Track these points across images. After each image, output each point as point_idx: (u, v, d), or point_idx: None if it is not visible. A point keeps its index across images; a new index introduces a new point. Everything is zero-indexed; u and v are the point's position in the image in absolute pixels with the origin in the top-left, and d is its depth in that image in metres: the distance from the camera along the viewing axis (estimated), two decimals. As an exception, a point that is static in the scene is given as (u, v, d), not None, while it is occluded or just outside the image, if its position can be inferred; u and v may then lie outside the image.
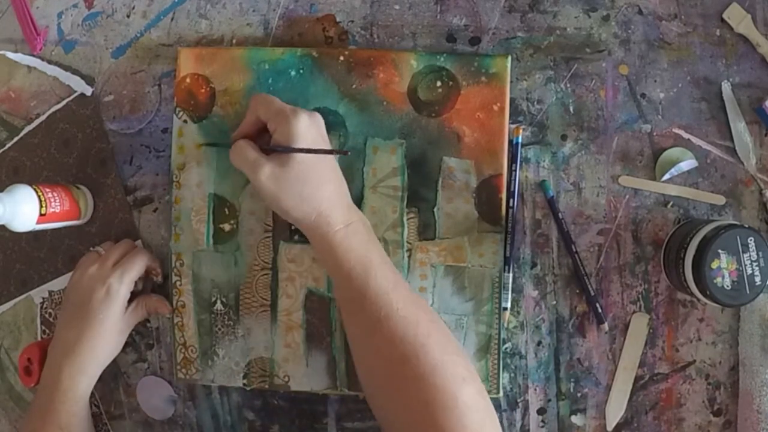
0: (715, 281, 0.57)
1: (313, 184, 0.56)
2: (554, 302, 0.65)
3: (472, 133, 0.65)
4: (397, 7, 0.67)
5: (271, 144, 0.57)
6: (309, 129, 0.56)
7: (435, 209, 0.65)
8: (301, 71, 0.66)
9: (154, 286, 0.69)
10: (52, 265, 0.72)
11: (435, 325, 0.54)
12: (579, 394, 0.65)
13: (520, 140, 0.65)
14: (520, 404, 0.66)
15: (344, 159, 0.66)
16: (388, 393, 0.54)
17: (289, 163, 0.55)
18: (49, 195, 0.64)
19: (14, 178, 0.73)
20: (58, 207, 0.64)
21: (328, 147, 0.59)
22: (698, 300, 0.61)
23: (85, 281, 0.63)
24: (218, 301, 0.67)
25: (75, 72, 0.72)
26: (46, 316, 0.73)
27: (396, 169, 0.65)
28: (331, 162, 0.59)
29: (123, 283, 0.63)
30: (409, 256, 0.65)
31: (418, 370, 0.51)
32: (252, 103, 0.59)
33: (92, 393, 0.65)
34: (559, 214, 0.65)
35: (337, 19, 0.68)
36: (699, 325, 0.65)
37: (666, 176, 0.64)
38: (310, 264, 0.66)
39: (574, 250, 0.65)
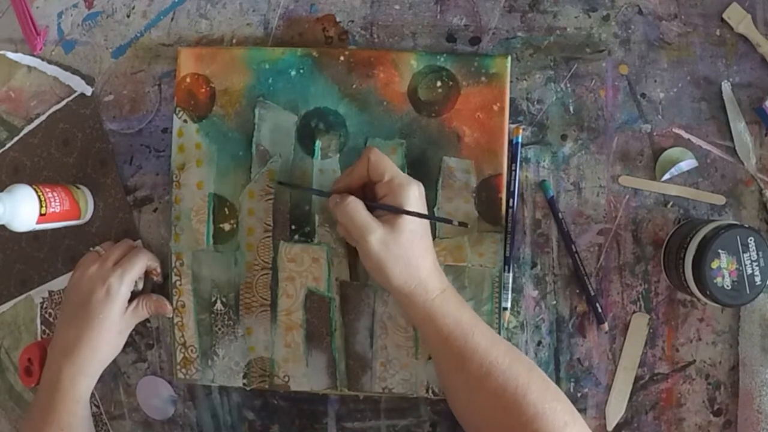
0: (715, 281, 0.57)
1: (419, 252, 0.57)
2: (554, 302, 0.65)
3: (472, 133, 0.65)
4: (397, 7, 0.67)
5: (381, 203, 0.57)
6: (419, 200, 0.57)
7: (435, 209, 0.65)
8: (301, 71, 0.66)
9: (154, 286, 0.69)
10: (52, 265, 0.72)
11: (533, 374, 0.56)
12: (579, 394, 0.65)
13: (520, 140, 0.65)
14: (520, 404, 0.66)
15: (345, 159, 0.66)
16: None
17: (400, 229, 0.56)
18: (49, 195, 0.64)
19: (14, 178, 0.72)
20: (58, 207, 0.64)
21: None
22: (698, 300, 0.61)
23: (85, 281, 0.63)
24: (218, 301, 0.67)
25: (75, 72, 0.72)
26: (46, 316, 0.73)
27: (396, 169, 0.65)
28: (429, 232, 0.59)
29: (123, 283, 0.63)
30: (409, 256, 0.65)
31: (521, 419, 0.53)
32: (370, 160, 0.58)
33: (92, 393, 0.65)
34: (559, 214, 0.65)
35: (337, 19, 0.68)
36: (699, 325, 0.65)
37: (666, 176, 0.64)
38: (310, 264, 0.66)
39: (574, 250, 0.65)
